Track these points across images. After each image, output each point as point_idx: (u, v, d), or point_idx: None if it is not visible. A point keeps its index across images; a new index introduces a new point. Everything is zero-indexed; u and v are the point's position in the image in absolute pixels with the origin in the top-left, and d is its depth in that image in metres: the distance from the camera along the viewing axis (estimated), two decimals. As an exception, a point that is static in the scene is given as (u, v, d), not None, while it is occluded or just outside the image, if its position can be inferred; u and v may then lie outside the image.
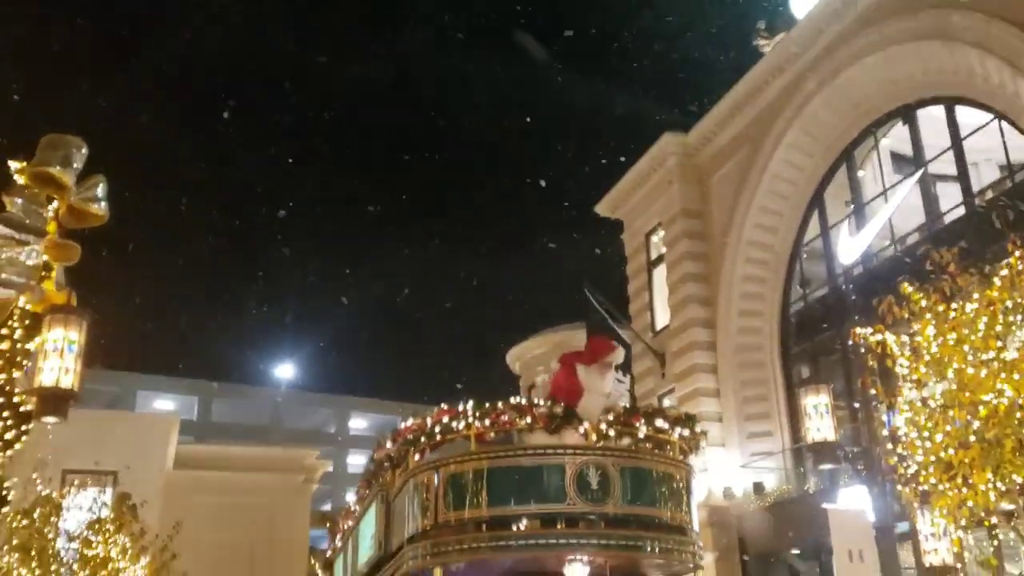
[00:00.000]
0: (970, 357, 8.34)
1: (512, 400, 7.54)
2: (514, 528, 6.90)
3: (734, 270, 19.84)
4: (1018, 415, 7.74)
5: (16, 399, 8.11)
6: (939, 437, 8.29)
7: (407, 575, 7.48)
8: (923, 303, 9.06)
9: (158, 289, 56.15)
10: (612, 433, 7.32)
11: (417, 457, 7.70)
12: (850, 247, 17.82)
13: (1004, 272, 8.65)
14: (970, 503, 8.13)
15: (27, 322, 8.22)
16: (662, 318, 21.43)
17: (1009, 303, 8.42)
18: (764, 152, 19.28)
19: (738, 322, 19.70)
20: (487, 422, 7.39)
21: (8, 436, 8.11)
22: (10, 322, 8.26)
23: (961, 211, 15.84)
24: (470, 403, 7.49)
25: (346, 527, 11.38)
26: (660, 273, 21.82)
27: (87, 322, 7.81)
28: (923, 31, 15.58)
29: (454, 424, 7.43)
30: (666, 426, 7.59)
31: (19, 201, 8.47)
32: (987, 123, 15.47)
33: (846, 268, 18.18)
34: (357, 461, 56.25)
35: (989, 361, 8.08)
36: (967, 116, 15.95)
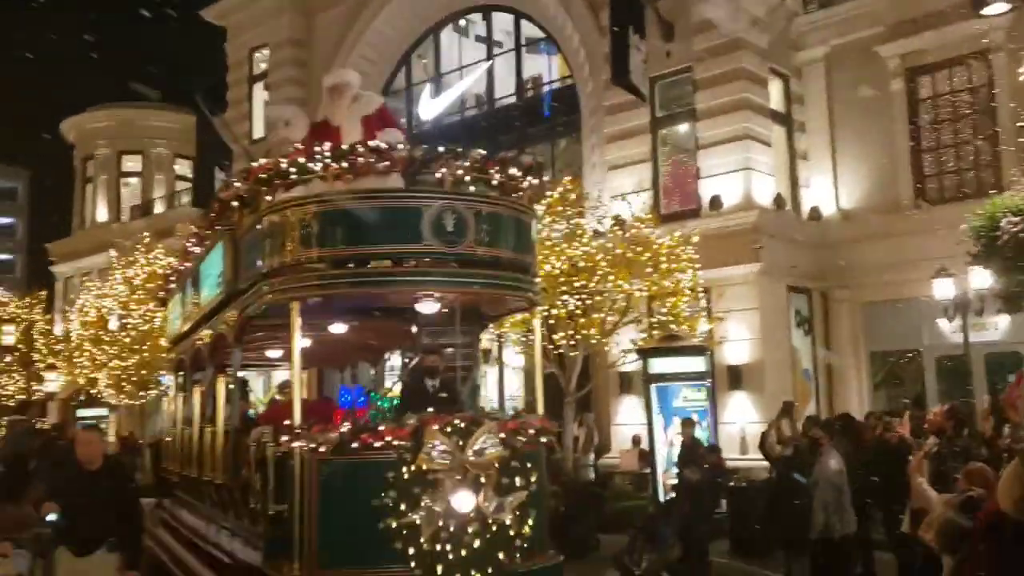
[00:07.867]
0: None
1: (370, 143, 7.33)
2: (370, 266, 7.01)
3: (328, 103, 23.55)
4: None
5: None
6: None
7: (259, 310, 7.62)
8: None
9: None
10: (468, 179, 7.26)
11: (269, 197, 7.48)
12: (429, 107, 22.61)
13: (549, 194, 14.14)
14: None
15: None
16: (259, 129, 24.39)
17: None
18: (371, 8, 22.86)
19: (324, 147, 23.65)
20: (344, 164, 7.09)
21: None
22: None
23: (513, 99, 21.44)
24: (326, 144, 7.36)
25: (182, 268, 11.15)
26: (260, 88, 24.68)
27: None
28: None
29: (310, 165, 7.20)
30: (518, 174, 7.55)
31: None
32: (539, 39, 21.08)
33: (420, 122, 23.00)
34: None
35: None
36: (529, 29, 21.32)
